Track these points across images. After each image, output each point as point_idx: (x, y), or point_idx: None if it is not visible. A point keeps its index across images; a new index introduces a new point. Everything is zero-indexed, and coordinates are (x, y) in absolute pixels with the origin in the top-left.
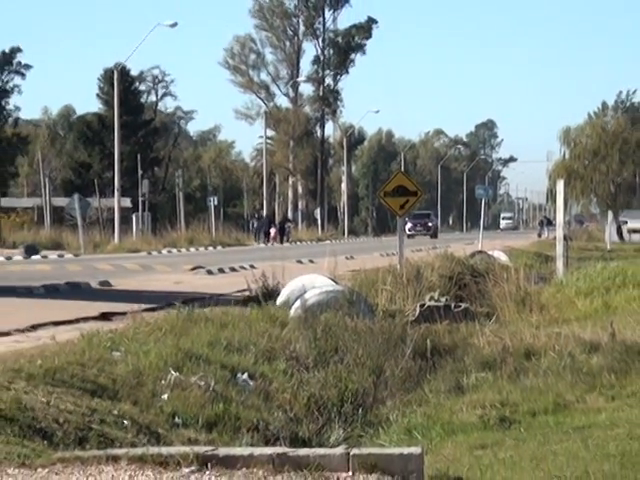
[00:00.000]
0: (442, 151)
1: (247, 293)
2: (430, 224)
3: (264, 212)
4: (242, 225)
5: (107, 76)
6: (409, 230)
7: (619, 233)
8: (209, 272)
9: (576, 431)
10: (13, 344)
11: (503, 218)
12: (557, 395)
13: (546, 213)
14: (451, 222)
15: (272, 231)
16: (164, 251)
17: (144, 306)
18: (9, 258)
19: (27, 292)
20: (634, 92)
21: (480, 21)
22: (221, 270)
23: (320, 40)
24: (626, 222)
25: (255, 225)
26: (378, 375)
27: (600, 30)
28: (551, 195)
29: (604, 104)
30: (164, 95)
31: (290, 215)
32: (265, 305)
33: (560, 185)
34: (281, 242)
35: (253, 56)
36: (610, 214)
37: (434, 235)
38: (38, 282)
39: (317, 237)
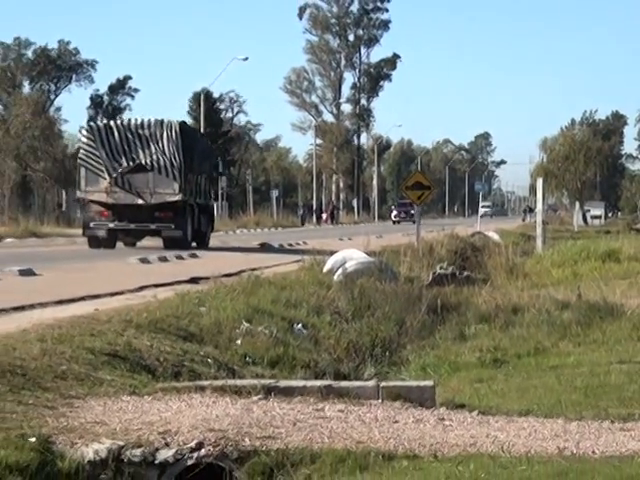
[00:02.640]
0: (449, 156)
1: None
2: (413, 211)
3: (314, 202)
4: (297, 212)
5: (195, 98)
6: (394, 217)
7: (584, 219)
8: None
9: (551, 369)
10: (125, 301)
11: (482, 206)
12: (537, 342)
13: (529, 203)
14: (456, 210)
15: (323, 216)
16: (237, 231)
17: (223, 272)
18: None
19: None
20: (595, 111)
21: (480, 56)
22: (281, 245)
23: (357, 71)
24: (589, 210)
25: (302, 212)
26: (400, 326)
27: (571, 63)
28: (532, 189)
29: (573, 120)
30: (238, 112)
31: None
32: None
33: (539, 182)
34: (331, 224)
35: (306, 83)
36: (577, 204)
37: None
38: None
39: (354, 221)
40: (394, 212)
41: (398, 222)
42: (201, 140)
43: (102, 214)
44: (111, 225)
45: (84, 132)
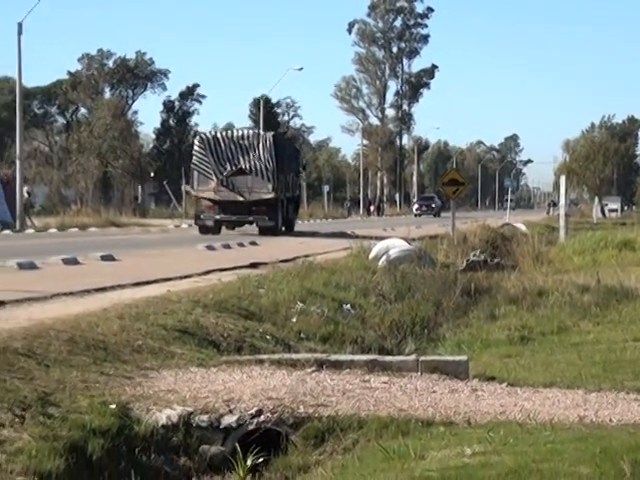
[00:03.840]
0: (482, 155)
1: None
2: (434, 205)
3: (360, 196)
4: (344, 205)
5: (255, 103)
6: (416, 210)
7: (602, 212)
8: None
9: (573, 346)
10: (193, 284)
11: (506, 200)
12: (560, 321)
13: (552, 198)
14: (487, 204)
15: (371, 208)
16: None
17: (280, 258)
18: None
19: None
20: (613, 116)
21: (509, 65)
22: (332, 234)
23: (399, 79)
24: (607, 204)
25: (348, 205)
26: (437, 307)
27: (591, 71)
28: (556, 186)
29: (592, 124)
30: (293, 116)
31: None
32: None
33: (562, 179)
34: (377, 215)
35: (354, 90)
36: (596, 199)
37: (437, 214)
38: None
39: (396, 213)
40: (415, 206)
41: (420, 215)
42: (289, 145)
43: (210, 208)
44: (217, 217)
45: (196, 142)
